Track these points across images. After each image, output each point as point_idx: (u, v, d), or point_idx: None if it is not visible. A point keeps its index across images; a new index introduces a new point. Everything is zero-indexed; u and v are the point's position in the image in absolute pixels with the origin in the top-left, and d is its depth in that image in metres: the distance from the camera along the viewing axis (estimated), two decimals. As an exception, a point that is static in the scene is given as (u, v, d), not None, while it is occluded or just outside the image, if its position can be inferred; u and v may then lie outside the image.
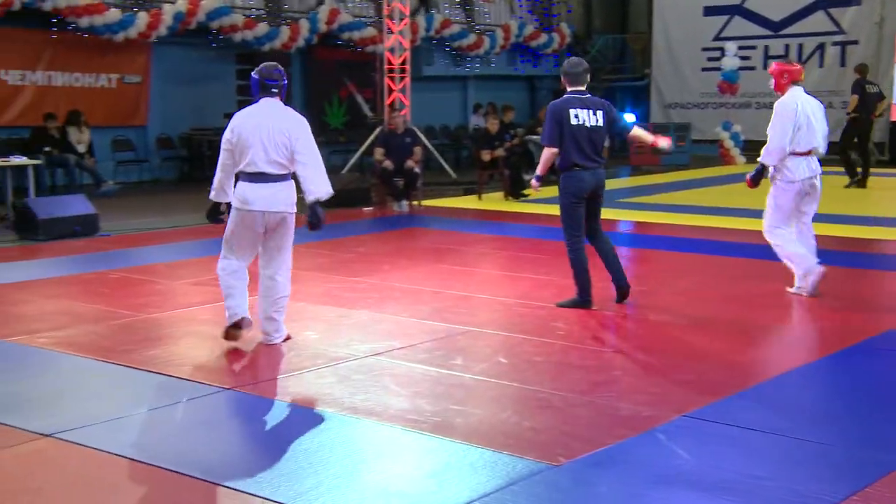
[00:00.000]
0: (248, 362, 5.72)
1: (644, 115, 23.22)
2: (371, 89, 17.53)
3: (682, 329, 6.42)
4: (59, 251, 9.54)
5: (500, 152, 13.93)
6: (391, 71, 14.76)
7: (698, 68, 22.73)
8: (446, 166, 16.84)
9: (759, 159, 7.26)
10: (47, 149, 13.71)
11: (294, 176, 5.82)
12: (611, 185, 16.53)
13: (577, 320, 6.61)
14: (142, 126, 16.56)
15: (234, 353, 5.90)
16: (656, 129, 19.60)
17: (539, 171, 6.95)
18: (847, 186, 14.63)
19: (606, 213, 12.59)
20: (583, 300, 6.91)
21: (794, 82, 7.16)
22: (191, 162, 17.09)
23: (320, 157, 5.81)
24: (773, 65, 7.37)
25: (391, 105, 14.51)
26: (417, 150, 13.02)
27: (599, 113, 6.80)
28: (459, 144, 20.56)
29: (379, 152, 12.95)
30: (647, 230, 11.21)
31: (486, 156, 13.95)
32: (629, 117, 23.42)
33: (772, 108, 7.24)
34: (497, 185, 14.54)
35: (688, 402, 4.79)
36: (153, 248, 9.75)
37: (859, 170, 14.94)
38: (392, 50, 14.80)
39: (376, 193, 13.29)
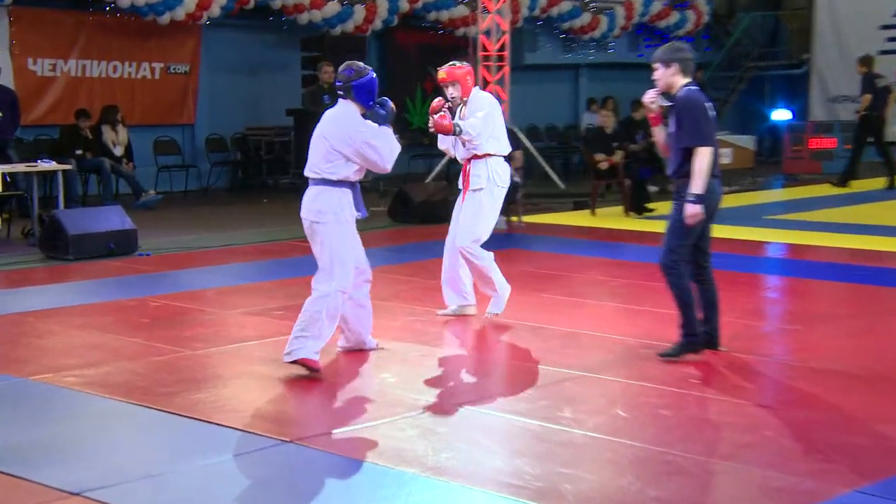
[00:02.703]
0: (313, 410, 5.80)
1: (802, 112, 22.78)
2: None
3: (852, 379, 6.26)
4: (92, 273, 9.82)
5: (618, 158, 13.83)
6: (486, 58, 14.86)
7: (874, 52, 22.20)
8: (553, 175, 16.83)
9: (470, 140, 7.49)
10: (79, 151, 14.06)
11: (340, 183, 6.24)
12: (759, 198, 16.40)
13: (714, 366, 6.50)
14: (189, 125, 16.98)
15: (295, 399, 5.99)
16: (817, 129, 19.30)
17: (701, 187, 6.31)
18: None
19: (752, 234, 12.54)
20: (694, 342, 6.59)
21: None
22: (245, 168, 17.44)
23: (381, 140, 6.21)
24: (450, 69, 7.73)
25: (486, 100, 14.57)
26: (517, 154, 13.02)
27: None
28: (569, 148, 20.52)
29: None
30: (803, 255, 11.01)
31: (603, 163, 13.87)
32: (783, 114, 23.13)
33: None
34: (615, 197, 14.42)
35: (859, 474, 4.67)
36: (201, 271, 9.97)
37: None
38: (488, 33, 14.90)
39: (467, 207, 13.34)
